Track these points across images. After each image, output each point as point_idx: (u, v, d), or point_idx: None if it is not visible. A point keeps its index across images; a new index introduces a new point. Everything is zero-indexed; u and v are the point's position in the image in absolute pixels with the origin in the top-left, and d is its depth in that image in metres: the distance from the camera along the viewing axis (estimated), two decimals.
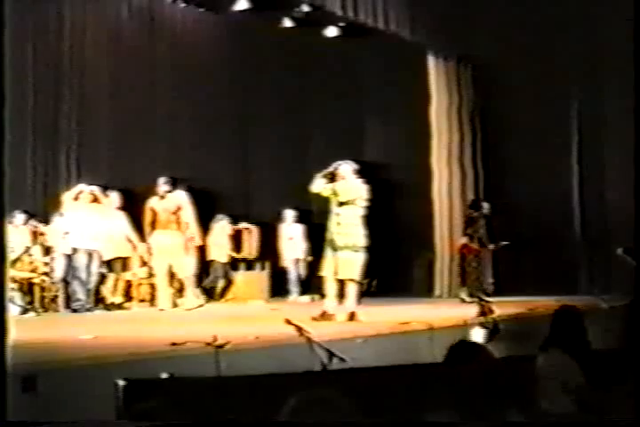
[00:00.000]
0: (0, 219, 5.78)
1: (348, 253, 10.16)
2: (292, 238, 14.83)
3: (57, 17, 13.39)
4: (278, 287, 14.76)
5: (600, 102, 14.74)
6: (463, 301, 13.19)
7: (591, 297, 11.63)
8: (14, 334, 5.37)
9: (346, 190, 10.31)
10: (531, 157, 15.08)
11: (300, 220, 14.92)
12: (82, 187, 12.57)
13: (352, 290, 10.32)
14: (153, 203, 12.69)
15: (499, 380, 5.98)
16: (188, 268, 12.85)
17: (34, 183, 13.03)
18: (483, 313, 10.15)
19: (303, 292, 14.55)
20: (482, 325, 9.70)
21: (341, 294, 10.38)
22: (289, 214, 14.98)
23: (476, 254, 13.88)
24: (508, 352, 8.88)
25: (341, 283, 10.36)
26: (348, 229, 10.20)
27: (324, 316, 10.15)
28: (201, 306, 12.74)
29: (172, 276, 12.68)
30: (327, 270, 10.33)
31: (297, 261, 14.84)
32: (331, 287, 10.35)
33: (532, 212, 14.83)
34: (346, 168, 10.46)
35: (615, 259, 11.25)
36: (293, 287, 14.78)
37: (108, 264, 12.79)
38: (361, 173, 10.53)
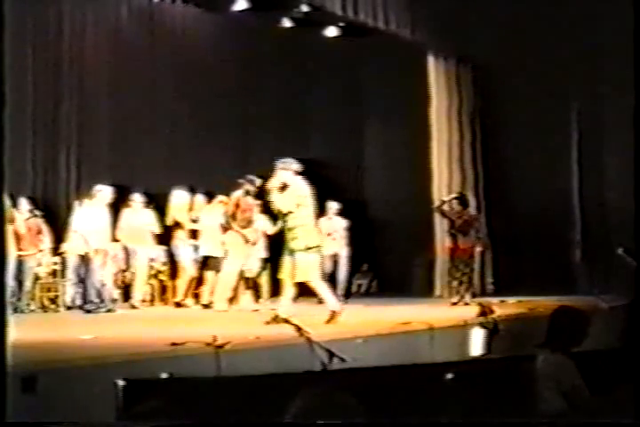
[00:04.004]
0: (0, 219, 5.78)
1: (303, 255, 9.90)
2: (330, 234, 13.78)
3: (57, 17, 13.40)
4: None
5: (600, 102, 14.73)
6: (466, 303, 13.02)
7: (591, 297, 11.63)
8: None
9: (290, 196, 10.06)
10: (531, 157, 15.08)
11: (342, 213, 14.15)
12: (101, 187, 12.57)
13: (322, 291, 10.09)
14: (240, 198, 12.61)
15: (498, 380, 5.98)
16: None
17: (34, 183, 13.04)
18: (483, 313, 10.15)
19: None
20: (482, 325, 9.70)
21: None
22: (331, 207, 14.06)
23: (468, 255, 13.49)
24: (507, 352, 8.89)
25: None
26: (299, 231, 9.95)
27: (277, 319, 9.77)
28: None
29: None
30: (284, 273, 10.13)
31: (334, 259, 13.96)
32: (288, 290, 10.15)
33: (532, 212, 14.83)
34: (281, 170, 10.20)
35: (615, 259, 11.24)
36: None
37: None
38: (304, 171, 10.31)
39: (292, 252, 9.90)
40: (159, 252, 13.25)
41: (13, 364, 5.35)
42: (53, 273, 12.56)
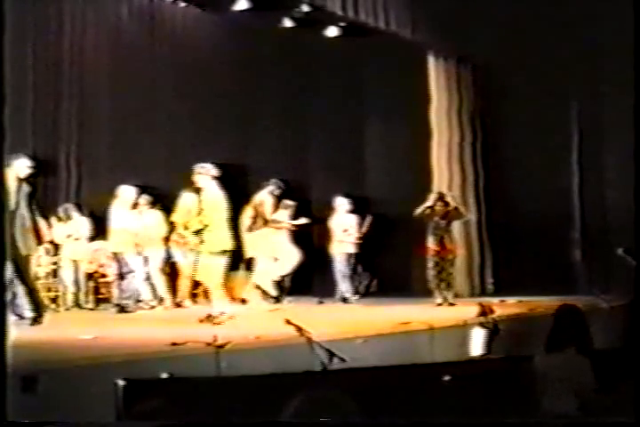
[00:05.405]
0: (0, 219, 5.79)
1: (208, 258, 10.26)
2: (347, 230, 14.01)
3: (57, 17, 13.40)
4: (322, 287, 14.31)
5: (600, 102, 14.73)
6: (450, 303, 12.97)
7: (591, 297, 11.63)
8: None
9: (206, 202, 10.38)
10: (531, 157, 15.08)
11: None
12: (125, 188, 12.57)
13: (214, 293, 10.52)
14: (264, 200, 12.71)
15: (498, 380, 5.98)
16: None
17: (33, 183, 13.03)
18: (483, 313, 10.15)
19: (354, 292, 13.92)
20: (482, 325, 9.70)
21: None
22: (342, 204, 14.19)
23: (454, 255, 13.38)
24: (508, 352, 8.89)
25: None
26: (212, 236, 10.27)
27: (210, 318, 10.12)
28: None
29: None
30: (192, 274, 10.48)
31: (349, 256, 14.05)
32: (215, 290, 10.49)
33: (532, 212, 14.82)
34: (198, 174, 10.54)
35: (615, 259, 11.25)
36: (343, 287, 13.95)
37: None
38: (220, 177, 10.60)
39: (198, 254, 10.36)
40: (161, 253, 13.25)
41: (13, 364, 5.35)
42: (53, 273, 12.58)
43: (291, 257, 12.92)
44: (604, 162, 14.79)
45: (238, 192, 14.82)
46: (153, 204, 12.97)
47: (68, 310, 12.45)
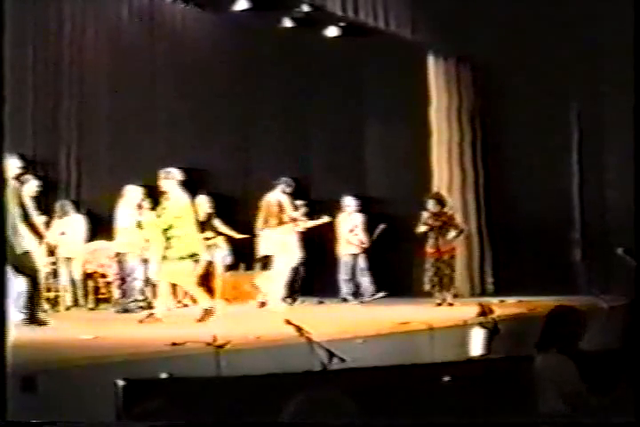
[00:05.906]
0: (0, 219, 5.79)
1: (176, 263, 10.43)
2: (352, 230, 14.18)
3: (57, 17, 13.41)
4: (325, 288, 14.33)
5: (600, 102, 14.74)
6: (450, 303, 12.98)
7: (591, 297, 11.63)
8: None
9: (170, 207, 10.50)
10: (531, 157, 15.08)
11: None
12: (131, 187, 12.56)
13: (194, 293, 10.83)
14: (278, 199, 12.71)
15: (499, 380, 5.99)
16: None
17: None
18: (483, 313, 10.14)
19: (356, 293, 14.06)
20: (482, 325, 9.70)
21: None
22: (349, 204, 14.32)
23: (449, 256, 13.28)
24: (508, 352, 8.89)
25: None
26: (180, 241, 10.40)
27: (150, 318, 10.40)
28: None
29: None
30: (159, 276, 10.75)
31: (355, 256, 14.21)
32: (163, 292, 10.78)
33: (532, 211, 14.83)
34: (164, 179, 10.67)
35: (615, 259, 11.25)
36: (347, 288, 14.13)
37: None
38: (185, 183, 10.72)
39: (165, 259, 10.50)
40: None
41: (13, 364, 5.35)
42: (53, 273, 12.57)
43: (294, 257, 12.94)
44: (604, 162, 14.80)
45: (238, 192, 14.93)
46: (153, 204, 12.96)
47: (68, 309, 12.45)
